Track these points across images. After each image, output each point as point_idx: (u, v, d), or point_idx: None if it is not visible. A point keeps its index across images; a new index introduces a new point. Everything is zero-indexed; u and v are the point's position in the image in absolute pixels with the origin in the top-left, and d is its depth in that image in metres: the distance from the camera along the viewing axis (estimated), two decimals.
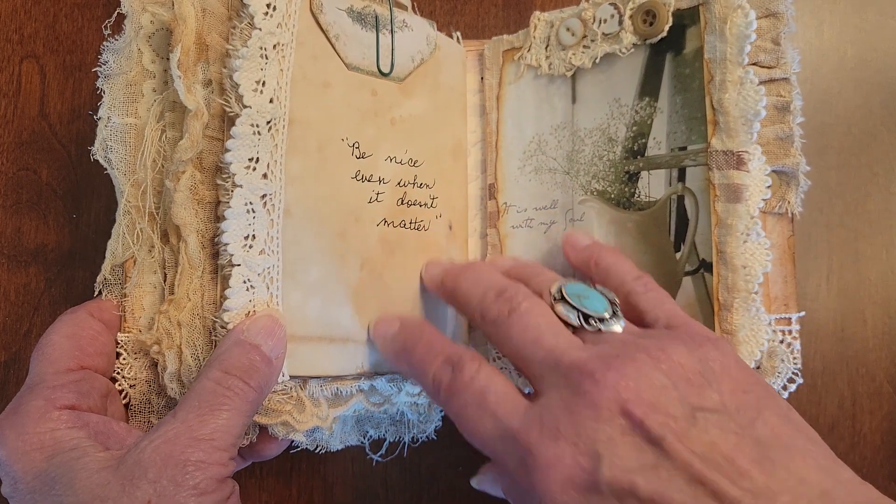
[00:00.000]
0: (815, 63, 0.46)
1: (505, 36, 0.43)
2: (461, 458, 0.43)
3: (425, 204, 0.40)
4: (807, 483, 0.25)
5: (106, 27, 0.36)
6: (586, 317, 0.31)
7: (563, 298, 0.32)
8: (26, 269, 0.43)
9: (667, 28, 0.37)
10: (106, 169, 0.35)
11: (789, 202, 0.36)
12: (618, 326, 0.31)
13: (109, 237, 0.35)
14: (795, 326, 0.35)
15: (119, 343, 0.34)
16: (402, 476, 0.43)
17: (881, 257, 0.44)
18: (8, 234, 0.43)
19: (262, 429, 0.34)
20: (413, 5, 0.43)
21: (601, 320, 0.31)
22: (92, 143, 0.35)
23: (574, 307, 0.32)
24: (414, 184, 0.40)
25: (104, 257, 0.35)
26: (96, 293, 0.35)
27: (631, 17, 0.38)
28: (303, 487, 0.42)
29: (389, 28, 0.40)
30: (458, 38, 0.44)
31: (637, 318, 0.33)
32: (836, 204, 0.45)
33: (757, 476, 0.25)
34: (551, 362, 0.29)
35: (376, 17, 0.39)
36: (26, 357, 0.42)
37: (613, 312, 0.32)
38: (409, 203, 0.40)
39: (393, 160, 0.39)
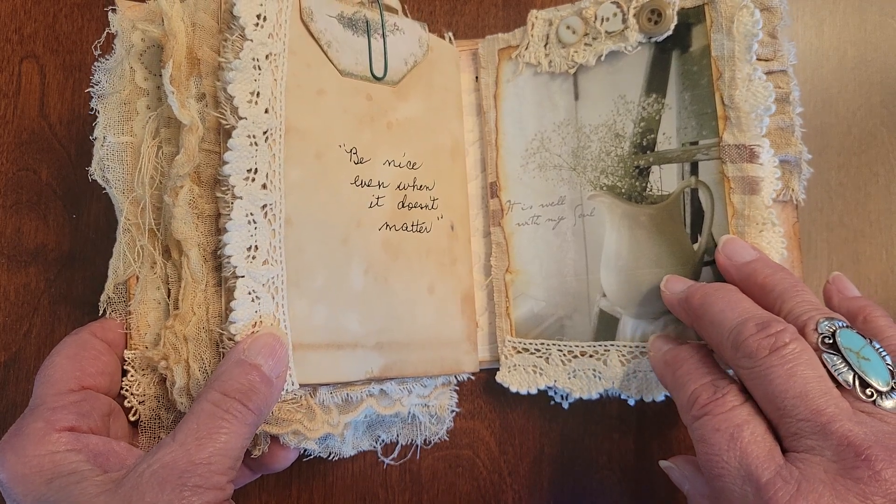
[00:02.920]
0: (815, 63, 0.45)
1: (500, 34, 0.43)
2: (461, 458, 0.43)
3: (426, 206, 0.40)
4: None
5: (96, 47, 0.36)
6: (863, 383, 0.28)
7: (835, 347, 0.29)
8: (26, 270, 0.43)
9: (672, 26, 0.37)
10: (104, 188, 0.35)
11: (793, 190, 0.36)
12: (893, 403, 0.28)
13: (109, 237, 0.35)
14: None
15: (126, 360, 0.34)
16: (402, 476, 0.43)
17: (881, 257, 0.43)
18: (8, 235, 0.43)
19: (273, 439, 0.34)
20: (409, 7, 0.42)
21: (880, 393, 0.28)
22: (92, 143, 0.35)
23: (850, 366, 0.28)
24: (413, 186, 0.40)
25: (104, 258, 0.35)
26: (101, 312, 0.35)
27: (636, 15, 0.38)
28: (303, 488, 0.43)
29: (381, 32, 0.39)
30: (450, 38, 0.44)
31: None
32: (836, 204, 0.44)
33: None
34: (817, 426, 0.27)
35: (367, 21, 0.39)
36: (26, 357, 0.43)
37: (892, 387, 0.28)
38: (410, 206, 0.39)
39: (391, 164, 0.39)
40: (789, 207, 0.36)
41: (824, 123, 0.45)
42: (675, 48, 0.37)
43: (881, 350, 0.29)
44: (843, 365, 0.28)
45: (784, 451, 0.28)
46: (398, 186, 0.39)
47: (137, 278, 0.35)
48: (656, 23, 0.37)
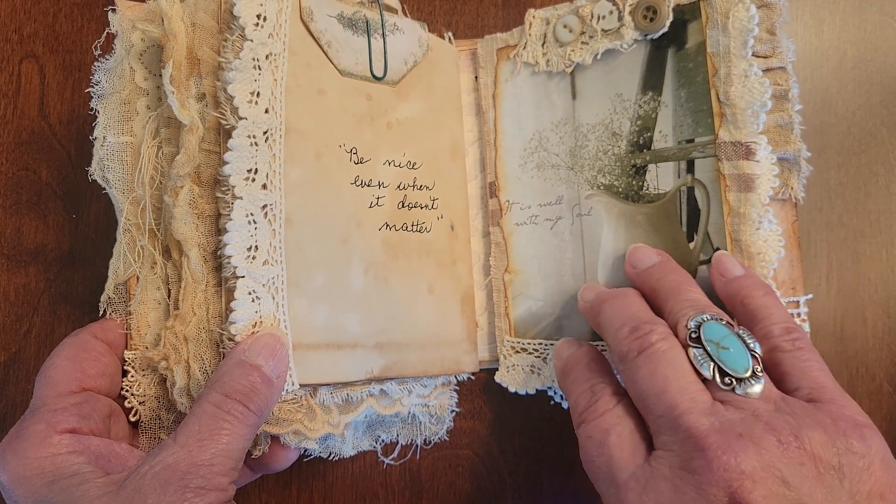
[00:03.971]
0: (815, 63, 0.46)
1: (498, 34, 0.43)
2: (461, 457, 0.43)
3: (426, 205, 0.40)
4: None
5: (97, 47, 0.36)
6: (722, 371, 0.29)
7: (699, 340, 0.29)
8: (26, 269, 0.43)
9: (668, 24, 0.37)
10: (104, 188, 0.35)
11: (792, 188, 0.36)
12: (756, 388, 0.28)
13: (109, 237, 0.35)
14: (804, 309, 0.36)
15: (127, 361, 0.34)
16: (402, 476, 0.43)
17: (881, 257, 0.44)
18: (8, 234, 0.43)
19: (274, 439, 0.34)
20: (409, 7, 0.42)
21: (738, 380, 0.28)
22: (92, 143, 0.35)
23: (710, 357, 0.29)
24: (413, 186, 0.40)
25: (104, 258, 0.35)
26: (101, 313, 0.35)
27: (631, 12, 0.38)
28: (303, 487, 0.43)
29: (381, 32, 0.39)
30: (449, 38, 0.44)
31: (778, 377, 0.30)
32: (836, 204, 0.44)
33: None
34: (670, 420, 0.28)
35: (367, 21, 0.39)
36: (26, 357, 0.42)
37: (753, 372, 0.28)
38: (410, 206, 0.39)
39: (391, 164, 0.39)
40: (788, 206, 0.36)
41: (824, 123, 0.45)
42: (671, 45, 0.37)
43: (747, 337, 0.30)
44: (703, 357, 0.29)
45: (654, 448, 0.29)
46: (398, 186, 0.39)
47: (138, 279, 0.35)
48: (652, 20, 0.37)
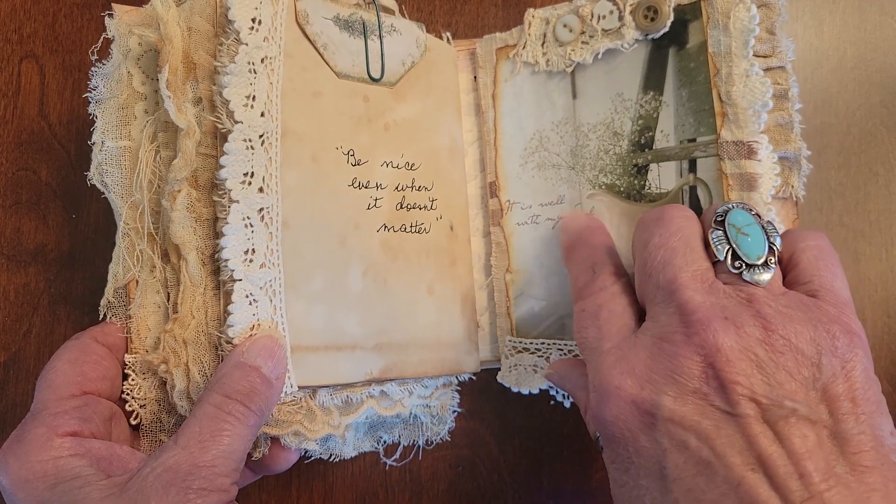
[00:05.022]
0: (815, 63, 0.45)
1: (497, 34, 0.43)
2: (461, 458, 0.43)
3: (425, 206, 0.40)
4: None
5: (93, 52, 0.36)
6: (735, 255, 0.29)
7: (722, 224, 0.30)
8: (26, 270, 0.43)
9: (668, 23, 0.37)
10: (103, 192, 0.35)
11: (793, 186, 0.36)
12: (764, 276, 0.28)
13: (109, 237, 0.35)
14: None
15: (127, 364, 0.34)
16: (402, 476, 0.43)
17: (881, 257, 0.43)
18: (7, 234, 0.43)
19: (274, 441, 0.35)
20: (409, 7, 0.42)
21: (749, 266, 0.29)
22: (91, 143, 0.35)
23: (728, 239, 0.29)
24: (412, 187, 0.40)
25: (104, 258, 0.35)
26: (101, 317, 0.35)
27: (632, 12, 0.38)
28: (303, 487, 0.43)
29: (378, 34, 0.39)
30: (448, 38, 0.43)
31: (793, 270, 0.30)
32: (836, 204, 0.44)
33: (818, 483, 0.24)
34: (667, 292, 0.28)
35: (364, 23, 0.39)
36: (26, 357, 0.43)
37: (766, 262, 0.29)
38: (409, 207, 0.39)
39: (389, 165, 0.39)
40: (789, 204, 0.36)
41: (824, 123, 0.44)
42: (672, 45, 0.37)
43: (770, 230, 0.30)
44: (721, 239, 0.29)
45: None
46: (396, 187, 0.39)
47: (137, 282, 0.35)
48: (652, 20, 0.37)
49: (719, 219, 0.30)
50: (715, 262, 0.29)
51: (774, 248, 0.29)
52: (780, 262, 0.30)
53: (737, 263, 0.29)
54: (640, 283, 0.31)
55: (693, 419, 0.26)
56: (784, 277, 0.30)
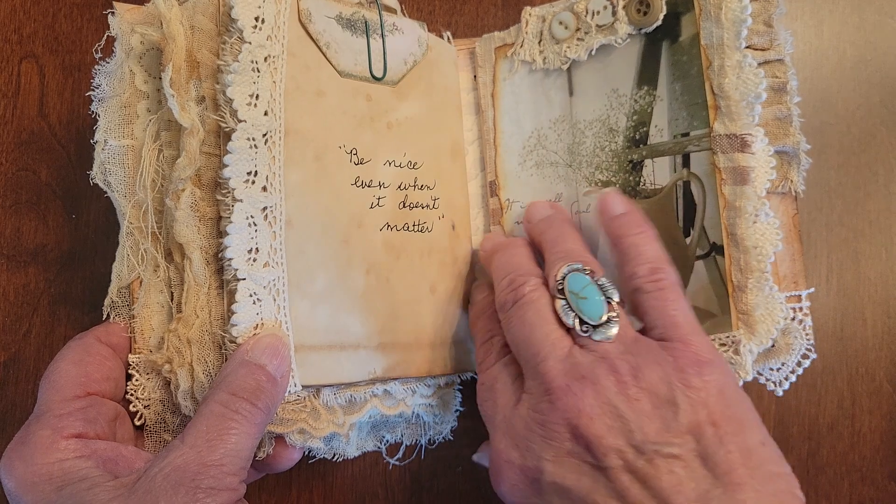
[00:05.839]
0: (815, 63, 0.46)
1: (496, 33, 0.43)
2: (461, 458, 0.43)
3: (427, 205, 0.40)
4: None
5: (97, 50, 0.36)
6: (581, 320, 0.31)
7: (563, 291, 0.32)
8: (26, 270, 0.43)
9: (661, 17, 0.37)
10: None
11: (792, 181, 0.36)
12: (611, 332, 0.31)
13: (109, 237, 0.35)
14: (806, 303, 0.36)
15: (131, 364, 0.34)
16: (402, 476, 0.43)
17: (881, 257, 0.44)
18: (7, 235, 0.43)
19: (278, 439, 0.34)
20: (409, 7, 0.42)
21: (594, 327, 0.31)
22: (92, 143, 0.35)
23: (570, 307, 0.31)
24: (414, 186, 0.40)
25: (104, 258, 0.35)
26: (104, 317, 0.35)
27: (625, 7, 0.38)
28: (303, 487, 0.43)
29: (380, 32, 0.39)
30: (448, 37, 0.44)
31: (641, 318, 0.33)
32: (836, 204, 0.45)
33: None
34: (532, 365, 0.31)
35: (366, 22, 0.39)
36: (26, 357, 0.42)
37: (608, 319, 0.31)
38: (411, 206, 0.39)
39: (392, 164, 0.39)
40: (788, 199, 0.36)
41: (823, 123, 0.45)
42: (665, 38, 0.37)
43: (606, 285, 0.32)
44: (566, 308, 0.31)
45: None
46: (399, 186, 0.39)
47: (141, 282, 0.35)
48: (645, 13, 0.37)
49: (559, 286, 0.32)
50: (568, 329, 0.31)
51: (612, 302, 0.32)
52: (632, 298, 0.33)
53: (584, 328, 0.31)
54: (511, 346, 0.33)
55: (572, 478, 0.29)
56: (637, 316, 0.33)
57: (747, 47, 0.35)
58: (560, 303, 0.32)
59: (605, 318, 0.31)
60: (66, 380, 0.32)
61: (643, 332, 0.32)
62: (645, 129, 0.38)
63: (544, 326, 0.31)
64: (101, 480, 0.29)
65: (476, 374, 0.42)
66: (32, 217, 0.44)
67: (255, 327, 0.33)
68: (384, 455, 0.41)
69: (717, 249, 0.35)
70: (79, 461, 0.30)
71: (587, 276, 0.32)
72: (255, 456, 0.34)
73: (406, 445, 0.41)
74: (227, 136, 0.33)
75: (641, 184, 0.38)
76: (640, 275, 0.32)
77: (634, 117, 0.38)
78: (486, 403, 0.33)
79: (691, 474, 0.27)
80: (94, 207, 0.44)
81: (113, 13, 0.35)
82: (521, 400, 0.31)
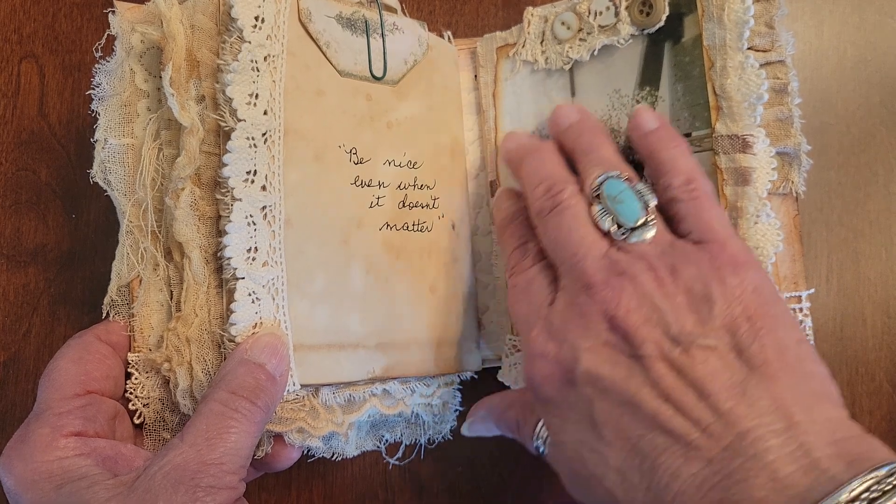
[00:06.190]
0: (815, 63, 0.45)
1: (498, 33, 0.43)
2: (461, 458, 0.43)
3: (427, 205, 0.40)
4: (777, 414, 0.26)
5: (97, 49, 0.36)
6: (619, 224, 0.31)
7: (599, 197, 0.32)
8: (25, 270, 0.43)
9: (664, 17, 0.37)
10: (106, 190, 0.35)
11: (793, 182, 0.36)
12: (647, 234, 0.31)
13: (109, 237, 0.35)
14: (806, 304, 0.36)
15: (130, 363, 0.34)
16: (402, 476, 0.43)
17: (881, 257, 0.44)
18: (7, 235, 0.43)
19: (277, 438, 0.34)
20: (409, 7, 0.42)
21: (632, 230, 0.31)
22: (91, 143, 0.35)
23: (608, 211, 0.32)
24: (414, 186, 0.40)
25: (104, 258, 0.35)
26: (104, 315, 0.35)
27: (627, 7, 0.38)
28: (302, 487, 0.43)
29: (380, 32, 0.39)
30: (448, 37, 0.44)
31: (675, 225, 0.33)
32: (836, 204, 0.44)
33: (724, 401, 0.26)
34: (569, 265, 0.31)
35: (366, 21, 0.39)
36: (26, 357, 0.42)
37: (645, 221, 0.31)
38: (411, 205, 0.39)
39: (392, 163, 0.39)
40: (789, 200, 0.36)
41: (823, 123, 0.45)
42: (668, 39, 0.37)
43: (643, 190, 0.32)
44: (603, 212, 0.32)
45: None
46: (399, 186, 0.39)
47: (140, 280, 0.35)
48: (648, 14, 0.37)
49: (595, 192, 0.32)
50: (605, 233, 0.32)
51: (649, 206, 0.32)
52: (667, 209, 0.33)
53: (621, 231, 0.31)
54: (547, 251, 0.34)
55: (607, 367, 0.29)
56: (672, 228, 0.33)
57: (749, 48, 0.35)
58: (596, 208, 0.32)
59: (641, 220, 0.31)
60: (65, 378, 0.32)
61: (677, 234, 0.32)
62: None
63: (581, 229, 0.32)
64: (100, 478, 0.29)
65: (475, 375, 0.42)
66: (32, 217, 0.44)
67: (254, 326, 0.33)
68: (384, 454, 0.41)
69: None
70: (78, 459, 0.30)
71: (624, 182, 0.32)
72: (254, 455, 0.34)
73: (405, 445, 0.41)
74: (227, 136, 0.33)
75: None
76: (676, 185, 0.32)
77: None
78: (520, 304, 0.33)
79: (726, 365, 0.27)
80: (93, 207, 0.44)
81: (113, 12, 0.35)
82: (557, 298, 0.32)
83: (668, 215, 0.33)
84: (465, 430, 0.39)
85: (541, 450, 0.34)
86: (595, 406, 0.29)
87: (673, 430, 0.27)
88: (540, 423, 0.33)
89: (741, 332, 0.28)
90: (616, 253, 0.31)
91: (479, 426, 0.38)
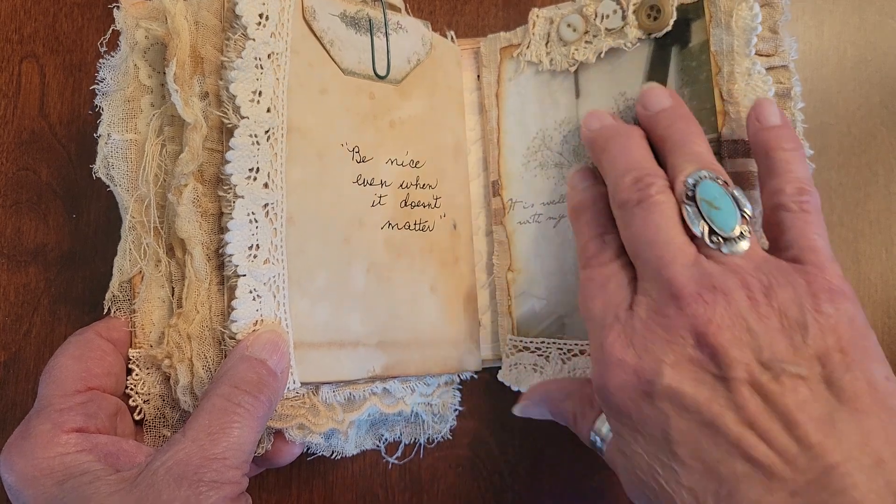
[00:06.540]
0: (815, 63, 0.45)
1: (501, 33, 0.43)
2: (461, 458, 0.43)
3: (428, 204, 0.40)
4: (866, 450, 0.25)
5: (102, 44, 0.36)
6: (711, 230, 0.30)
7: (693, 198, 0.30)
8: (26, 269, 0.43)
9: (671, 23, 0.37)
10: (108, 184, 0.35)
11: None
12: (742, 246, 0.29)
13: (110, 237, 0.35)
14: None
15: (131, 359, 0.34)
16: (402, 476, 0.43)
17: (881, 257, 0.44)
18: (8, 234, 0.43)
19: (277, 434, 0.34)
20: (410, 6, 0.42)
21: (725, 239, 0.29)
22: (92, 143, 0.35)
23: (702, 215, 0.30)
24: (416, 185, 0.40)
25: (104, 257, 0.35)
26: (105, 311, 0.35)
27: (635, 11, 0.38)
28: (302, 487, 0.43)
29: (384, 31, 0.39)
30: (451, 37, 0.44)
31: (776, 236, 0.31)
32: (836, 204, 0.44)
33: (812, 433, 0.25)
34: (654, 269, 0.30)
35: (370, 20, 0.39)
36: (26, 357, 0.42)
37: (741, 233, 0.30)
38: (413, 204, 0.39)
39: (394, 162, 0.39)
40: None
41: (824, 123, 0.45)
42: (675, 44, 0.37)
43: (740, 197, 0.31)
44: (695, 215, 0.30)
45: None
46: (401, 185, 0.39)
47: (142, 276, 0.35)
48: (655, 19, 0.37)
49: (689, 192, 0.30)
50: (693, 237, 0.30)
51: (746, 217, 0.30)
52: (763, 220, 0.32)
53: (714, 238, 0.30)
54: (626, 245, 0.32)
55: (689, 385, 0.28)
56: (770, 233, 0.32)
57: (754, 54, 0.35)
58: (689, 209, 0.30)
59: (737, 231, 0.30)
60: (66, 374, 0.32)
61: (772, 250, 0.31)
62: None
63: (669, 230, 0.30)
64: (102, 474, 0.29)
65: (475, 375, 0.42)
66: (33, 217, 0.44)
67: (255, 324, 0.33)
68: (383, 454, 0.41)
69: None
70: (80, 455, 0.30)
71: (721, 186, 0.30)
72: (255, 452, 0.34)
73: (405, 444, 0.41)
74: (230, 133, 0.33)
75: None
76: (787, 192, 0.31)
77: None
78: (596, 301, 0.32)
79: (816, 396, 0.26)
80: (94, 207, 0.44)
81: (118, 7, 0.35)
82: (638, 302, 0.30)
83: (769, 220, 0.32)
84: (517, 411, 0.38)
85: (598, 445, 0.33)
86: (672, 423, 0.28)
87: (756, 458, 0.26)
88: (599, 420, 0.33)
89: (833, 363, 0.27)
90: (707, 263, 0.29)
91: (532, 410, 0.37)
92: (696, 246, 0.30)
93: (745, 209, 0.30)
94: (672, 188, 0.31)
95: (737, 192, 0.31)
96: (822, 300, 0.28)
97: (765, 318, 0.28)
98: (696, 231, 0.30)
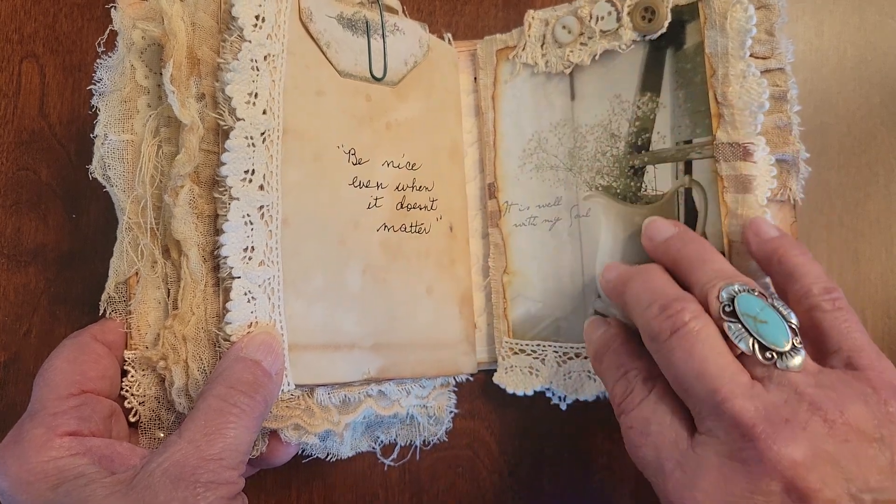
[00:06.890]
0: (815, 63, 0.45)
1: (498, 35, 0.43)
2: (461, 458, 0.43)
3: (425, 206, 0.40)
4: None
5: (100, 44, 0.36)
6: (762, 346, 0.28)
7: (734, 314, 0.28)
8: (26, 269, 0.43)
9: (666, 24, 0.37)
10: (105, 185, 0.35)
11: (791, 189, 0.36)
12: (797, 361, 0.27)
13: (109, 237, 0.35)
14: None
15: (126, 360, 0.34)
16: (401, 477, 0.43)
17: (881, 257, 0.44)
18: (8, 234, 0.43)
19: (273, 435, 0.34)
20: (409, 7, 0.42)
21: (779, 354, 0.28)
22: (92, 143, 0.35)
23: (748, 331, 0.28)
24: (413, 187, 0.40)
25: (103, 258, 0.35)
26: (101, 312, 0.35)
27: (629, 13, 0.38)
28: (302, 488, 0.43)
29: (381, 33, 0.39)
30: (448, 38, 0.44)
31: (816, 338, 0.30)
32: (836, 204, 0.44)
33: None
34: (712, 405, 0.27)
35: (367, 22, 0.39)
36: (26, 357, 0.43)
37: (793, 345, 0.28)
38: (409, 206, 0.39)
39: (390, 164, 0.39)
40: (787, 207, 0.36)
41: (824, 123, 0.45)
42: (670, 46, 0.37)
43: (782, 308, 0.29)
44: (741, 331, 0.28)
45: (697, 431, 0.29)
46: (397, 187, 0.39)
47: (138, 278, 0.35)
48: (650, 21, 0.37)
49: (727, 308, 0.29)
50: (739, 355, 0.28)
51: (794, 327, 0.29)
52: (804, 318, 0.30)
53: (767, 354, 0.28)
54: (670, 381, 0.30)
55: None
56: (808, 335, 0.30)
57: (749, 56, 0.35)
58: (732, 326, 0.28)
59: (789, 344, 0.28)
60: (60, 378, 0.32)
61: (817, 353, 0.30)
62: (647, 135, 0.38)
63: (718, 359, 0.28)
64: (97, 477, 0.29)
65: (471, 377, 0.42)
66: (32, 217, 0.44)
67: (250, 326, 0.33)
68: (378, 456, 0.41)
69: None
70: (74, 459, 0.29)
71: (760, 298, 0.29)
72: (250, 453, 0.34)
73: (400, 446, 0.41)
74: (226, 134, 0.33)
75: (643, 189, 0.38)
76: (815, 293, 0.30)
77: (637, 123, 0.38)
78: (644, 448, 0.29)
79: None
80: (93, 207, 0.44)
81: (115, 7, 0.35)
82: (700, 442, 0.28)
83: (804, 323, 0.30)
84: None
85: None
86: None
87: None
88: None
89: None
90: (765, 389, 0.27)
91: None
92: (743, 366, 0.28)
93: (792, 320, 0.29)
94: (706, 308, 0.29)
95: (778, 303, 0.29)
96: (892, 405, 0.27)
97: (845, 442, 0.26)
98: (746, 349, 0.28)
